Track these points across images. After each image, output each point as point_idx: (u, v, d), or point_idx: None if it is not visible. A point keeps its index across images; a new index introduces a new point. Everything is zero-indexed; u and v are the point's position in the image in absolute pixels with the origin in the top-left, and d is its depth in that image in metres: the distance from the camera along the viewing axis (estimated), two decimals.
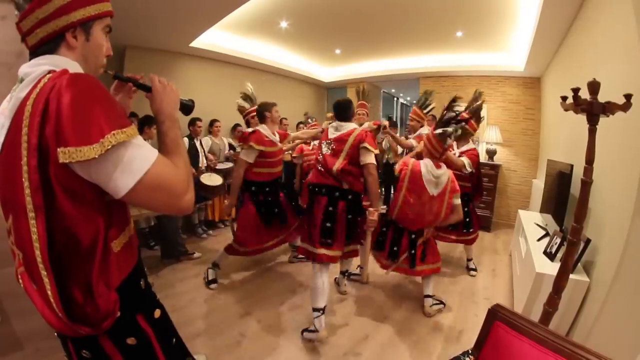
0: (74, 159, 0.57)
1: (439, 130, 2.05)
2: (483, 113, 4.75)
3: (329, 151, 2.15)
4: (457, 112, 2.16)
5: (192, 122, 3.70)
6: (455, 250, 3.83)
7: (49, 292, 0.62)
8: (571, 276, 1.76)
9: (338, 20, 3.74)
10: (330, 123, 2.31)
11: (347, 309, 2.44)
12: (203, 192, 2.99)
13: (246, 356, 1.90)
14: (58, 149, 0.57)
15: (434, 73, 5.11)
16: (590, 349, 0.85)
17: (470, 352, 1.08)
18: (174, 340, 0.94)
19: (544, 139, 4.17)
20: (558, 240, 2.04)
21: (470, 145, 2.82)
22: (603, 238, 1.74)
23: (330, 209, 2.07)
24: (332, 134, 2.18)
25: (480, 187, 3.08)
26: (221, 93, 4.76)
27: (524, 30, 3.40)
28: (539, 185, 3.60)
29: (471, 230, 2.98)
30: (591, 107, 1.20)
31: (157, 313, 0.87)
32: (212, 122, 4.09)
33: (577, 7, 2.47)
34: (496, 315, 1.05)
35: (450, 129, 2.01)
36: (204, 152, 3.80)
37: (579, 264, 1.86)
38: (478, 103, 2.82)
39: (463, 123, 2.17)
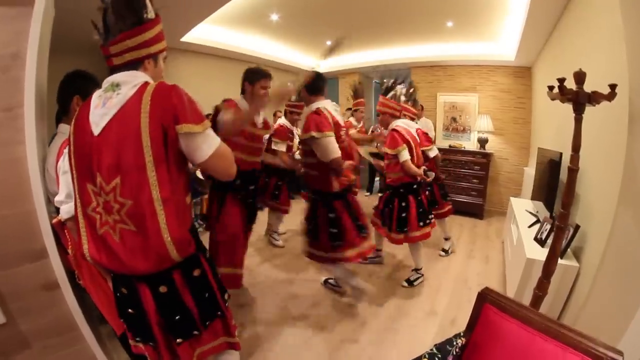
0: (190, 130, 0.92)
1: (390, 94, 2.52)
2: (474, 102, 4.85)
3: None
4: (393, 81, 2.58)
5: None
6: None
7: (162, 224, 0.92)
8: (561, 261, 1.81)
9: (327, 12, 3.71)
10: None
11: (343, 296, 2.49)
12: (199, 187, 2.99)
13: (246, 346, 1.93)
14: (177, 126, 0.91)
15: (426, 63, 5.10)
16: (574, 328, 0.89)
17: (462, 334, 1.12)
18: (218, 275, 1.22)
19: (535, 128, 4.22)
20: (548, 227, 2.10)
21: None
22: (591, 224, 1.78)
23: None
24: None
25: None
26: (213, 87, 4.70)
27: (514, 20, 3.41)
28: (530, 173, 3.66)
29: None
30: (577, 97, 1.24)
31: (207, 254, 1.16)
32: (207, 116, 4.10)
33: None
34: (486, 298, 1.08)
35: (399, 89, 2.53)
36: None
37: (569, 249, 1.91)
38: (411, 90, 2.91)
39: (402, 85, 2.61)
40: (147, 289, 0.99)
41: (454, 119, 5.11)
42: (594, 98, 1.19)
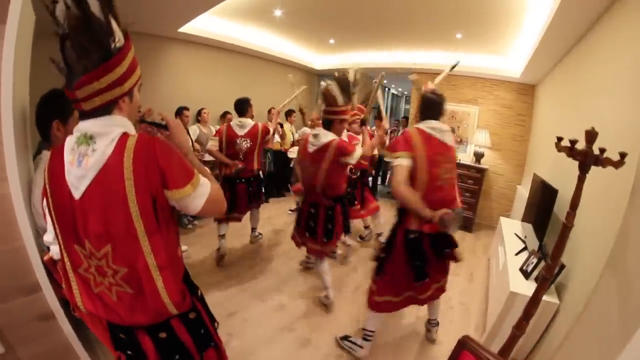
0: (181, 195, 0.86)
1: None
2: (474, 114, 4.81)
3: None
4: None
5: (179, 112, 3.56)
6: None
7: (160, 288, 0.89)
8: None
9: (333, 11, 3.61)
10: None
11: (327, 312, 2.50)
12: None
13: (235, 355, 1.94)
14: (167, 191, 0.85)
15: (428, 69, 5.01)
16: None
17: None
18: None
19: (533, 147, 4.23)
20: (535, 261, 2.12)
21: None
22: (578, 264, 1.79)
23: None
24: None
25: None
26: (211, 80, 4.60)
27: (526, 37, 3.35)
28: (522, 192, 3.69)
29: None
30: (585, 158, 1.22)
31: (199, 292, 1.14)
32: (200, 110, 3.97)
33: (588, 26, 2.42)
34: (465, 346, 1.12)
35: None
36: (192, 141, 3.69)
37: (552, 285, 1.94)
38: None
39: None
40: (146, 336, 0.98)
41: (451, 129, 5.07)
42: (601, 162, 1.18)
